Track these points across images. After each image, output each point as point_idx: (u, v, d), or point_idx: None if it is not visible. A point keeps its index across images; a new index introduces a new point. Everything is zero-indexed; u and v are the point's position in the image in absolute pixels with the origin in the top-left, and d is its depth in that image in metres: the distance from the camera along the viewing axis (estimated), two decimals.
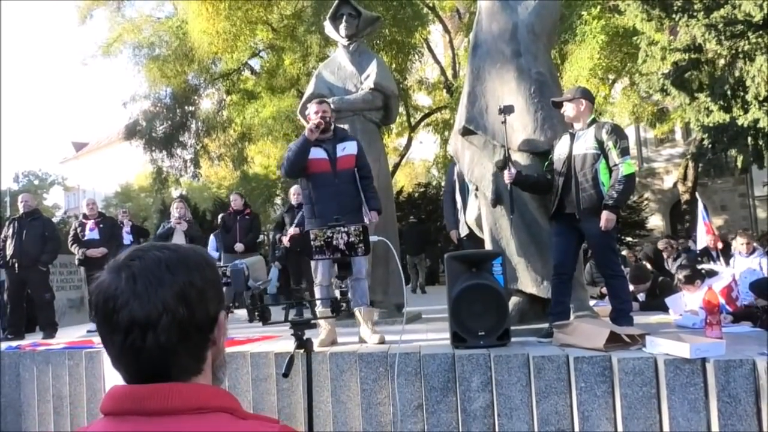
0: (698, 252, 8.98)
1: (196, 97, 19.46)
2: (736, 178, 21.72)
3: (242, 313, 7.50)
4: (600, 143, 4.20)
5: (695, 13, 11.00)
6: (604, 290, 5.67)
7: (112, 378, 0.92)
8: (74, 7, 19.49)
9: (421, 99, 22.83)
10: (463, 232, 5.94)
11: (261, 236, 24.73)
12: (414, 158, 28.26)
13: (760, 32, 10.40)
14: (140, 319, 0.86)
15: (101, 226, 7.50)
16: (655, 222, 23.77)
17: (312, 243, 2.81)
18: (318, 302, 4.48)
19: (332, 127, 4.67)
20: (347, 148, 4.63)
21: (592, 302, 5.29)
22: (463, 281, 3.93)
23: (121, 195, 37.00)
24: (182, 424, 0.85)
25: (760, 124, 10.72)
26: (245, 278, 2.37)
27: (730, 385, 3.03)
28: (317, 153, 4.55)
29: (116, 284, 0.88)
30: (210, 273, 0.94)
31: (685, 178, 19.02)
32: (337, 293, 3.14)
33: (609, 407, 3.31)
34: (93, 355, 4.99)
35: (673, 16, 11.33)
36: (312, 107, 4.66)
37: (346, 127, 5.51)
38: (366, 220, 4.50)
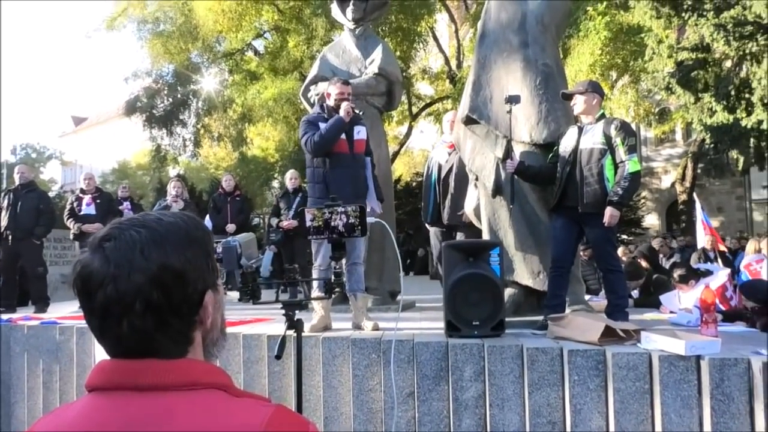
0: (693, 252, 9.00)
1: (198, 76, 19.34)
2: (733, 180, 21.75)
3: (234, 294, 7.49)
4: (608, 138, 4.17)
5: (705, 13, 10.95)
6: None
7: (103, 355, 0.88)
8: None
9: (424, 88, 22.73)
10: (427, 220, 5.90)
11: (257, 219, 24.73)
12: (413, 147, 28.19)
13: None
14: (114, 303, 0.82)
15: (98, 201, 7.44)
16: (651, 221, 23.82)
17: (310, 223, 2.77)
18: (314, 284, 4.45)
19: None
20: (361, 132, 4.63)
21: (586, 297, 5.29)
22: (460, 270, 3.90)
23: (118, 172, 36.88)
24: (175, 400, 0.82)
25: (764, 126, 10.70)
26: (237, 256, 2.33)
27: (724, 384, 3.02)
28: None
29: (92, 265, 0.84)
30: (192, 252, 0.88)
31: (683, 178, 19.04)
32: (331, 275, 3.11)
33: (601, 401, 3.30)
34: (84, 331, 4.96)
35: (683, 14, 11.28)
36: (335, 87, 4.61)
37: None
38: (369, 208, 4.47)
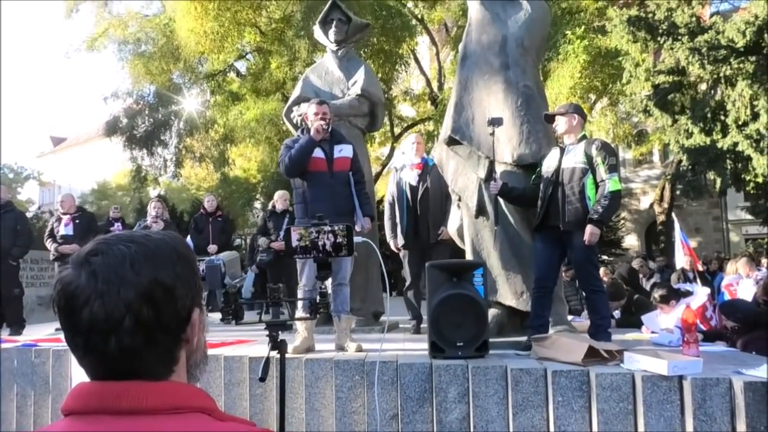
0: (672, 272, 9.10)
1: (179, 97, 19.29)
2: (710, 201, 22.11)
3: (216, 316, 7.42)
4: (589, 158, 4.22)
5: (680, 37, 11.21)
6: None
7: (80, 378, 0.85)
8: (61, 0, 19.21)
9: (406, 110, 22.90)
10: (400, 242, 5.79)
11: (238, 240, 24.46)
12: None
13: (742, 58, 10.61)
14: (101, 320, 0.80)
15: (77, 221, 7.34)
16: (631, 241, 24.09)
17: (297, 243, 2.74)
18: (299, 305, 4.41)
19: (330, 128, 4.64)
20: (344, 151, 4.62)
21: (569, 317, 5.30)
22: (444, 291, 3.89)
23: (97, 192, 36.48)
24: (158, 424, 0.79)
25: (739, 148, 10.91)
26: (221, 275, 2.30)
27: (706, 404, 3.03)
28: (315, 152, 4.53)
29: (77, 282, 0.81)
30: (181, 268, 0.87)
31: (661, 199, 19.33)
32: (317, 295, 3.08)
33: (585, 422, 3.29)
34: (60, 354, 4.86)
35: (659, 38, 11.54)
36: (312, 107, 4.63)
37: None
38: (358, 227, 4.46)
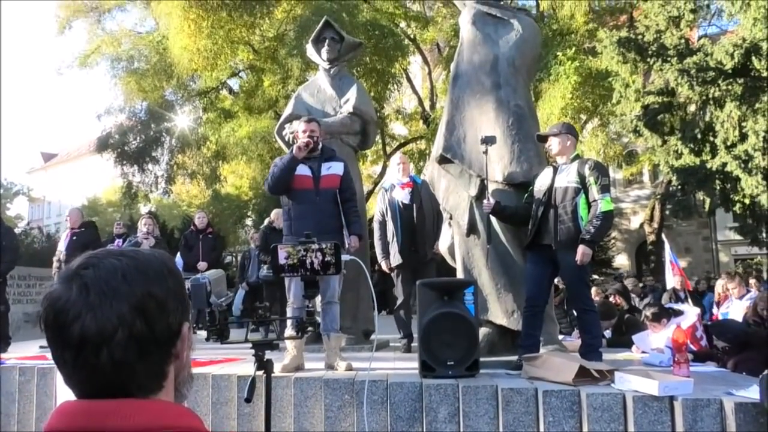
0: (661, 292, 9.12)
1: (172, 113, 19.29)
2: (699, 222, 22.24)
3: (202, 334, 7.34)
4: (582, 178, 4.24)
5: (669, 58, 11.35)
6: None
7: (65, 396, 0.83)
8: (54, 17, 19.24)
9: (398, 128, 22.99)
10: (394, 262, 5.77)
11: (229, 257, 24.32)
12: None
13: (730, 80, 10.75)
14: (93, 334, 0.78)
15: (74, 238, 7.24)
16: (622, 261, 24.16)
17: (284, 261, 2.71)
18: (288, 323, 4.36)
19: (320, 146, 4.63)
20: (333, 168, 4.60)
21: (560, 336, 5.28)
22: (434, 309, 3.87)
23: (88, 209, 36.23)
24: None
25: (728, 168, 11.01)
26: (207, 294, 2.27)
27: (697, 425, 3.02)
28: (301, 170, 4.52)
29: (67, 296, 0.80)
30: (172, 282, 0.87)
31: (651, 219, 19.45)
32: (304, 314, 3.05)
33: None
34: (46, 372, 4.78)
35: (648, 60, 11.68)
36: (300, 125, 4.64)
37: None
38: (346, 244, 4.44)
